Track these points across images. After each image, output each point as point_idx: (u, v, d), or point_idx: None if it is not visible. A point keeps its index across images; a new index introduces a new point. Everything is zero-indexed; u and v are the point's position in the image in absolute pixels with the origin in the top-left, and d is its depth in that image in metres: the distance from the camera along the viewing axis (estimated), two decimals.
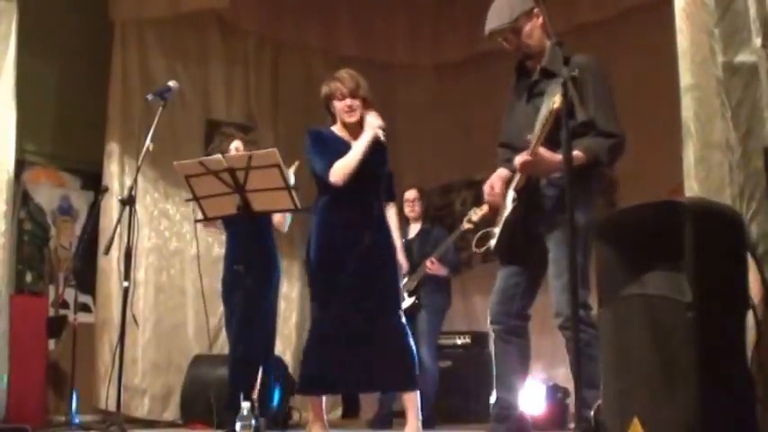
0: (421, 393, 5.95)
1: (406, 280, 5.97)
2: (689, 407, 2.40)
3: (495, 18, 3.60)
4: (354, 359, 4.02)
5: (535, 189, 3.51)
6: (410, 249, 6.11)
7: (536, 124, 3.36)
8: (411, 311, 5.88)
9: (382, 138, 4.09)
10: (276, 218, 5.07)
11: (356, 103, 4.11)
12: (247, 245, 4.76)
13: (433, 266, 5.91)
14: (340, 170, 4.01)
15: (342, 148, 4.08)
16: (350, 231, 4.04)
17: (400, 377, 4.09)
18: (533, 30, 3.57)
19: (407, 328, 4.09)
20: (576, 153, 3.27)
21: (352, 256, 3.98)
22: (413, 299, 5.94)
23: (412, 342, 4.07)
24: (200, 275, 5.47)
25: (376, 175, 4.17)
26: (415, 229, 6.25)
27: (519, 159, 3.40)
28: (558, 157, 3.24)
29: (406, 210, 6.25)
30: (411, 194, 6.26)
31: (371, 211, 4.13)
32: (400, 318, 4.08)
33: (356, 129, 4.14)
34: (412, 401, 4.14)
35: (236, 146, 5.08)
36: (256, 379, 4.82)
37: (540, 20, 3.57)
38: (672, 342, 2.47)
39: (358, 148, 4.04)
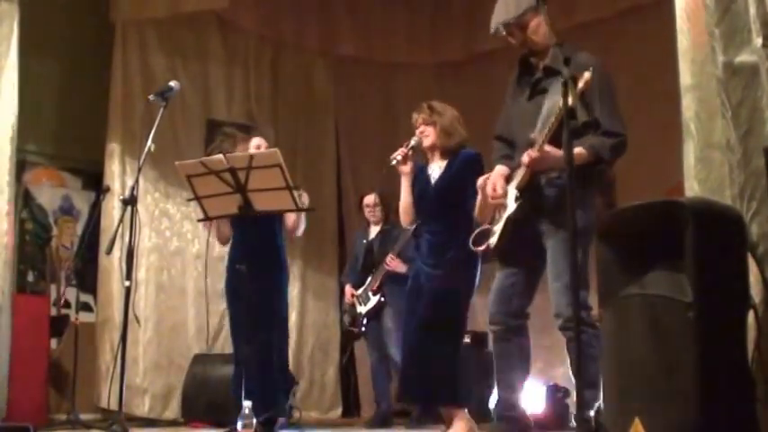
0: (385, 390, 6.01)
1: (369, 279, 5.99)
2: (690, 407, 2.40)
3: (503, 12, 3.59)
4: None
5: (535, 189, 3.51)
6: (371, 249, 6.14)
7: (538, 122, 3.36)
8: (376, 311, 5.93)
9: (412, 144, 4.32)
10: (289, 223, 5.03)
11: (428, 129, 4.27)
12: (254, 246, 4.78)
13: (392, 263, 5.86)
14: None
15: (420, 177, 4.33)
16: None
17: None
18: (539, 26, 3.55)
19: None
20: (579, 150, 3.27)
21: None
22: (377, 297, 5.94)
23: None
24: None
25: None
26: (376, 229, 6.26)
27: (526, 157, 3.39)
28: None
29: (367, 214, 6.27)
30: (370, 200, 6.25)
31: None
32: None
33: (432, 153, 4.33)
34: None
35: (256, 143, 5.04)
36: (262, 381, 4.78)
37: (547, 16, 3.56)
38: (672, 342, 2.48)
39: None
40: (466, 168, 4.19)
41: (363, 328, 6.06)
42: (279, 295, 5.04)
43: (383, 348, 5.96)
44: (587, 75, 2.99)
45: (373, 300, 5.95)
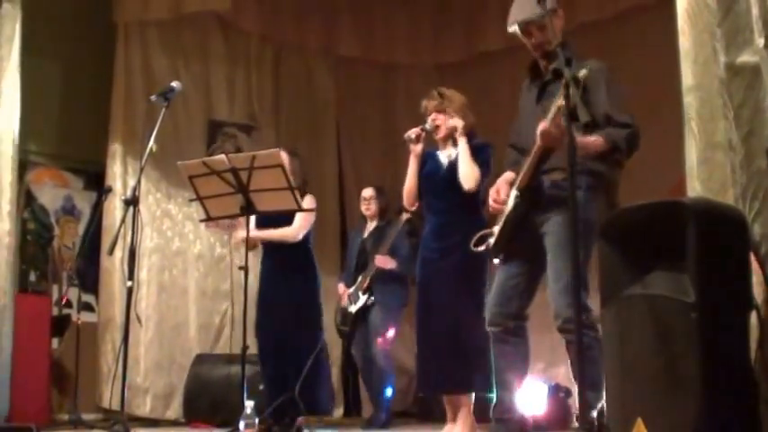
0: (374, 391, 6.03)
1: (359, 278, 6.00)
2: (692, 407, 2.40)
3: (528, 8, 3.54)
4: None
5: (537, 189, 3.51)
6: (364, 248, 6.16)
7: (551, 108, 3.30)
8: (365, 309, 5.95)
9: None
10: (294, 225, 5.09)
11: (440, 117, 4.32)
12: (279, 250, 4.89)
13: (380, 260, 5.89)
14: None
15: (429, 161, 4.37)
16: None
17: None
18: (557, 28, 3.53)
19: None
20: (595, 138, 3.26)
21: None
22: (366, 296, 5.95)
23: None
24: None
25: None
26: (371, 227, 6.26)
27: (541, 126, 3.30)
28: (584, 138, 3.21)
29: (363, 208, 6.28)
30: (367, 193, 6.27)
31: None
32: None
33: (444, 141, 4.37)
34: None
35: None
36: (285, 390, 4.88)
37: (563, 19, 3.55)
38: (675, 342, 2.48)
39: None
40: (476, 156, 4.24)
41: (355, 327, 6.07)
42: (306, 299, 5.09)
43: (369, 347, 5.96)
44: (584, 72, 2.98)
45: (362, 299, 5.96)
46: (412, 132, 4.32)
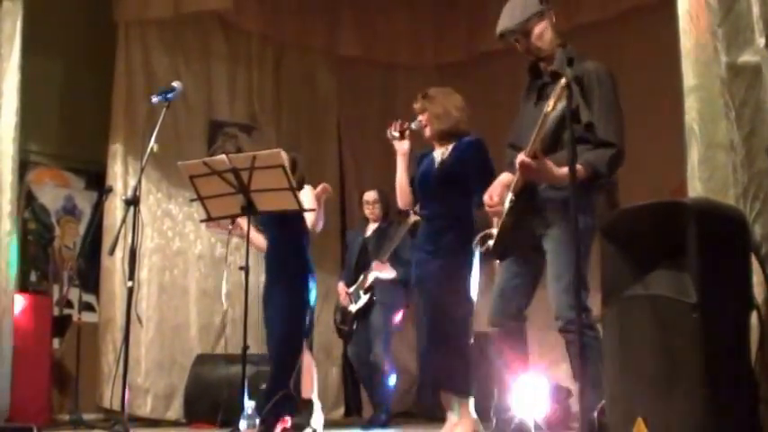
0: (377, 391, 6.02)
1: (361, 278, 6.00)
2: (693, 407, 2.40)
3: (507, 18, 3.56)
4: None
5: (533, 191, 3.50)
6: (365, 247, 6.15)
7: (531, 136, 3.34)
8: (365, 309, 5.96)
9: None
10: (309, 218, 5.03)
11: (424, 117, 4.29)
12: (281, 252, 4.94)
13: (377, 267, 5.91)
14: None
15: (425, 161, 4.33)
16: None
17: None
18: (544, 32, 3.53)
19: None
20: (577, 169, 3.25)
21: None
22: (367, 296, 5.95)
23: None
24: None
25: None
26: (373, 227, 6.25)
27: (519, 158, 3.39)
28: (560, 170, 3.23)
29: (366, 212, 6.26)
30: (370, 196, 6.25)
31: None
32: None
33: (432, 140, 4.33)
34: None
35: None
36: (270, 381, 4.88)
37: (553, 21, 3.55)
38: (676, 343, 2.48)
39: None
40: (467, 154, 4.21)
41: (354, 326, 6.07)
42: (300, 303, 5.07)
43: (369, 347, 5.96)
44: (563, 81, 2.98)
45: (364, 298, 5.96)
46: (393, 129, 4.30)
